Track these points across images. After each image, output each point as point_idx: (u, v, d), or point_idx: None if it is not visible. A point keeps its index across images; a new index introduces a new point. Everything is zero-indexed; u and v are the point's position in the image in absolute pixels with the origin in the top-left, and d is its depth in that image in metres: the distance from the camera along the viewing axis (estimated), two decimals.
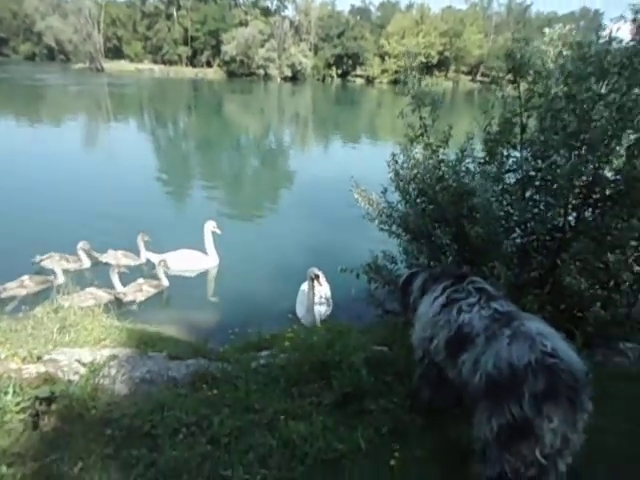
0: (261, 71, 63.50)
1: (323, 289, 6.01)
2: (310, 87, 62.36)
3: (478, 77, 71.09)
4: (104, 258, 7.06)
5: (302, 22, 70.21)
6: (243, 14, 66.93)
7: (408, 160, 4.56)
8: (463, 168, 4.16)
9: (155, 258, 6.95)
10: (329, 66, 70.39)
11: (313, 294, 5.83)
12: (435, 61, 69.41)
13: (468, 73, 74.63)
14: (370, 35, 72.02)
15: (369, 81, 70.16)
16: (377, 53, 69.65)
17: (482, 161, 3.94)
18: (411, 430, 2.60)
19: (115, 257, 7.04)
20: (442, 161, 4.07)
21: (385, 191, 4.85)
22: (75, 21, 65.05)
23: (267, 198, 13.17)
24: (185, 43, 68.70)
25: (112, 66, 65.43)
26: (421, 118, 4.69)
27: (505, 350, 2.01)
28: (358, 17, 77.78)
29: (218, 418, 2.71)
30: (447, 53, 70.11)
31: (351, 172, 5.22)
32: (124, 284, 6.37)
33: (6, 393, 2.86)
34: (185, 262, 7.11)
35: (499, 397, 1.96)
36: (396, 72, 63.07)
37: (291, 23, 68.42)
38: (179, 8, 68.37)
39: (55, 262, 6.76)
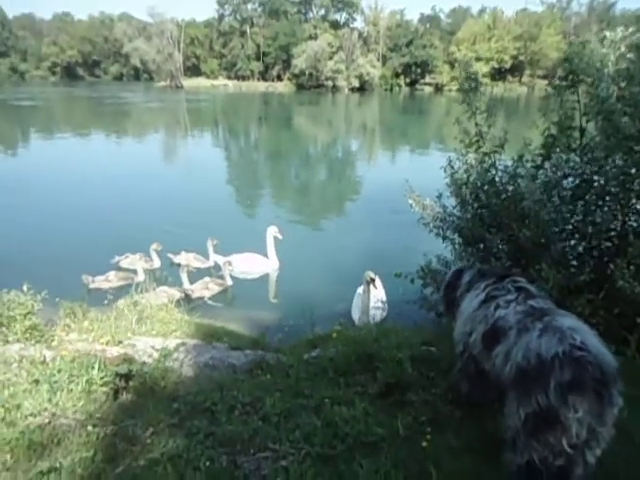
0: (329, 83, 64.73)
1: (379, 293, 6.17)
2: (377, 97, 62.61)
3: (556, 81, 67.65)
4: (176, 259, 7.68)
5: (371, 33, 70.78)
6: (313, 28, 68.73)
7: (463, 165, 4.64)
8: (518, 172, 4.18)
9: (221, 260, 7.46)
10: (397, 75, 70.26)
11: (369, 297, 6.00)
12: (508, 66, 67.05)
13: (544, 77, 71.31)
14: (439, 42, 71.10)
15: (438, 89, 69.10)
16: (447, 60, 68.54)
17: (535, 165, 3.94)
18: (449, 421, 2.71)
19: (186, 259, 7.65)
20: (493, 165, 4.11)
21: (440, 196, 4.96)
22: (158, 42, 69.96)
23: (330, 206, 13.52)
24: (257, 59, 71.67)
25: (190, 83, 69.61)
26: (476, 125, 4.78)
27: (535, 342, 2.10)
28: (427, 25, 77.06)
29: (270, 400, 2.97)
30: (521, 57, 67.50)
31: (417, 180, 5.33)
32: (192, 283, 6.92)
33: (92, 368, 3.30)
34: (248, 265, 7.56)
35: (527, 387, 2.05)
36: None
37: (359, 34, 69.20)
38: (252, 25, 71.56)
39: (137, 262, 7.47)
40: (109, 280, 7.17)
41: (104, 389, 3.22)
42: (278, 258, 7.82)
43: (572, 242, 3.40)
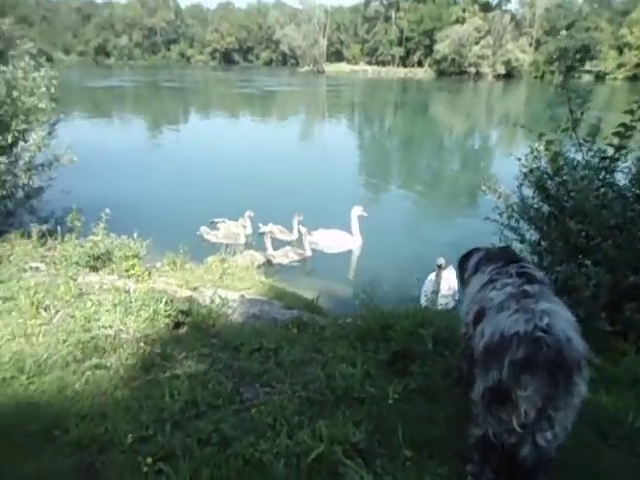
0: (472, 69, 61.55)
1: (451, 281, 6.09)
2: (526, 86, 57.83)
3: None
4: (263, 229, 8.34)
5: (525, 15, 65.28)
6: (461, 11, 65.62)
7: (541, 155, 4.37)
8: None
9: (304, 231, 7.95)
10: (551, 62, 63.95)
11: (438, 284, 5.97)
12: None
13: None
14: (607, 25, 62.85)
15: (598, 77, 61.45)
16: (614, 45, 60.48)
17: (607, 156, 3.62)
18: (441, 394, 2.78)
19: (271, 229, 8.24)
20: (558, 153, 3.85)
21: (521, 186, 4.72)
22: (306, 29, 73.00)
23: (454, 196, 13.22)
24: (399, 44, 70.85)
25: (331, 68, 71.62)
26: (571, 112, 4.46)
27: (503, 321, 2.11)
28: (595, 5, 68.49)
29: (289, 350, 3.31)
30: None
31: None
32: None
33: (160, 302, 3.96)
34: (331, 240, 7.94)
35: (487, 362, 2.08)
36: (637, 66, 54.02)
37: (512, 17, 64.25)
38: (398, 10, 70.68)
39: (239, 227, 8.35)
40: (217, 237, 8.18)
41: (166, 320, 3.85)
42: (363, 237, 8.07)
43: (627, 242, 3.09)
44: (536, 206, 4.01)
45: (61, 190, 8.06)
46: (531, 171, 3.95)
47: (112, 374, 2.97)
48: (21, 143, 7.01)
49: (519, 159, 4.08)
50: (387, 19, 72.10)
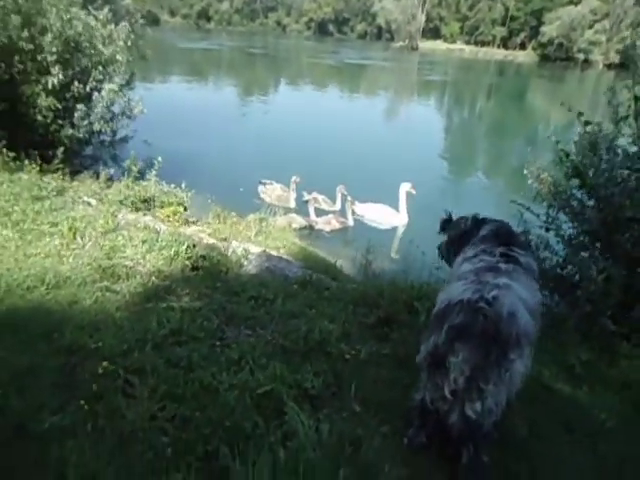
0: (581, 56, 56.48)
1: None
2: None
3: None
4: (307, 196, 8.42)
5: None
6: None
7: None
8: None
9: (348, 200, 7.95)
10: None
11: None
12: None
13: None
14: None
15: None
16: None
17: None
18: (410, 361, 2.78)
19: (315, 199, 8.30)
20: (596, 138, 3.55)
21: (568, 176, 4.40)
22: (404, 3, 70.55)
23: (520, 189, 12.52)
24: (502, 24, 66.49)
25: (426, 45, 69.01)
26: (636, 99, 4.07)
27: (455, 290, 2.09)
28: None
29: (284, 302, 3.45)
30: None
31: None
32: None
33: (182, 244, 4.24)
34: (376, 214, 7.89)
35: (431, 327, 2.08)
36: None
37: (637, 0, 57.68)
38: None
39: (290, 193, 8.56)
40: (271, 197, 8.48)
41: (186, 262, 4.13)
42: (410, 215, 7.95)
43: None
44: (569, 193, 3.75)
45: (143, 141, 8.86)
46: (567, 155, 3.68)
47: (118, 297, 3.28)
48: (95, 93, 7.59)
49: (557, 142, 3.80)
50: None
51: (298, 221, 7.31)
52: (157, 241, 4.22)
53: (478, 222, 2.64)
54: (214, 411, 2.23)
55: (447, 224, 2.79)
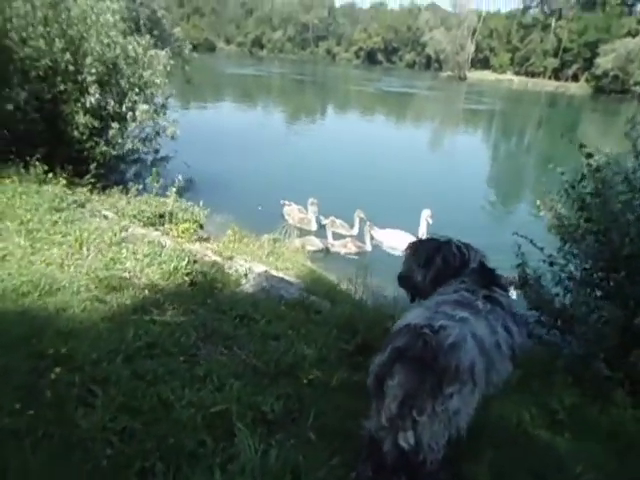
0: (637, 89, 54.43)
1: None
2: None
3: None
4: (324, 221, 8.39)
5: None
6: (635, 23, 58.33)
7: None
8: None
9: (367, 225, 7.86)
10: None
11: None
12: None
13: None
14: None
15: None
16: None
17: None
18: None
19: (333, 223, 8.24)
20: (598, 169, 3.36)
21: (582, 207, 4.19)
22: (454, 33, 70.83)
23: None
24: (555, 55, 65.38)
25: (475, 76, 68.73)
26: None
27: (413, 314, 2.02)
28: None
29: (269, 323, 3.43)
30: None
31: None
32: None
33: (183, 260, 4.31)
34: (395, 240, 7.76)
35: (381, 349, 2.00)
36: None
37: None
38: (559, 18, 65.18)
39: (310, 214, 8.60)
40: (293, 219, 8.55)
41: (185, 277, 4.19)
42: None
43: None
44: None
45: (183, 162, 9.35)
46: (572, 187, 3.51)
47: (106, 308, 3.36)
48: (130, 113, 7.98)
49: (562, 173, 3.63)
50: (545, 27, 66.79)
51: (315, 243, 7.31)
52: (159, 255, 4.31)
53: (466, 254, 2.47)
54: (162, 427, 2.22)
55: (420, 249, 2.65)
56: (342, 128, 23.28)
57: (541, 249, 3.66)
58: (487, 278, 2.30)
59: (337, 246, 7.51)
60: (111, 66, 7.62)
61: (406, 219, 8.41)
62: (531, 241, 3.69)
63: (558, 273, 3.69)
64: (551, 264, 3.58)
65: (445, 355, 1.76)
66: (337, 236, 7.90)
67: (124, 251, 4.27)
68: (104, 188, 7.70)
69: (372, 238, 7.93)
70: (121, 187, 7.87)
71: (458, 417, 1.79)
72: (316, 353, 3.01)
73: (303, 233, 7.74)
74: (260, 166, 13.26)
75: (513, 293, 5.58)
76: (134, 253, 4.29)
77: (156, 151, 9.63)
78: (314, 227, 8.49)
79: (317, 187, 10.51)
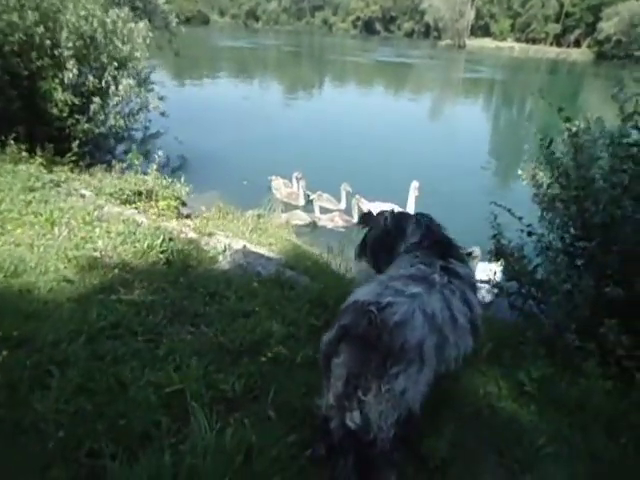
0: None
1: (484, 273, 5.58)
2: None
3: None
4: (311, 195, 8.30)
5: None
6: None
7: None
8: None
9: (355, 198, 7.75)
10: None
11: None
12: None
13: None
14: None
15: None
16: None
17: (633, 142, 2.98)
18: None
19: (319, 197, 8.15)
20: (576, 134, 3.23)
21: (565, 174, 4.05)
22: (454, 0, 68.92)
23: None
24: (556, 20, 63.77)
25: (474, 43, 67.21)
26: None
27: (363, 291, 1.95)
28: None
29: (240, 300, 3.38)
30: None
31: None
32: None
33: (158, 237, 4.23)
34: None
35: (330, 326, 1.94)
36: None
37: None
38: None
39: (300, 189, 8.47)
40: (281, 194, 8.43)
41: (160, 255, 4.12)
42: None
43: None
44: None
45: (175, 138, 9.31)
46: (552, 154, 3.38)
47: (73, 288, 3.30)
48: (112, 87, 7.77)
49: (541, 139, 3.50)
50: None
51: (302, 217, 7.22)
52: (134, 234, 4.23)
53: (401, 220, 2.44)
54: (117, 408, 2.18)
55: (369, 220, 2.60)
56: (337, 101, 22.86)
57: (519, 218, 3.57)
58: (443, 249, 2.23)
59: (324, 220, 7.42)
60: (88, 40, 7.38)
61: (399, 191, 8.28)
62: (509, 210, 3.59)
63: (538, 244, 3.62)
64: (529, 234, 3.49)
65: (390, 334, 1.69)
66: (324, 211, 7.80)
67: (97, 230, 4.19)
68: (88, 166, 7.58)
69: (361, 211, 7.81)
70: (106, 165, 7.75)
71: (406, 396, 1.73)
72: (284, 329, 2.96)
73: (290, 208, 7.64)
74: (252, 140, 13.08)
75: (477, 265, 5.56)
76: (107, 232, 4.21)
77: (146, 128, 9.47)
78: (302, 202, 8.39)
79: (308, 161, 10.36)
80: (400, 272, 2.17)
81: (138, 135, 9.59)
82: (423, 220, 2.52)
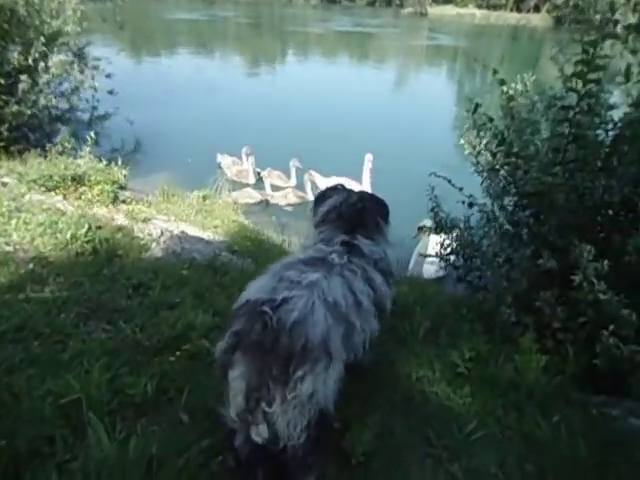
0: (597, 17, 53.69)
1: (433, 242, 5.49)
2: None
3: None
4: (262, 174, 8.00)
5: None
6: None
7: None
8: None
9: (307, 173, 7.51)
10: None
11: (425, 249, 5.43)
12: None
13: None
14: None
15: None
16: None
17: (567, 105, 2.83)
18: None
19: (270, 174, 7.87)
20: (512, 97, 3.07)
21: (502, 139, 3.84)
22: None
23: None
24: None
25: (436, 11, 66.40)
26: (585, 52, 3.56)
27: (256, 285, 1.73)
28: None
29: (166, 290, 3.14)
30: None
31: None
32: None
33: (83, 226, 3.92)
34: None
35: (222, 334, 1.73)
36: None
37: None
38: None
39: (249, 167, 8.15)
40: (231, 172, 8.08)
41: (86, 246, 3.82)
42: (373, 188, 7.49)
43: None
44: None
45: (125, 119, 8.81)
46: (490, 120, 3.21)
47: None
48: (41, 64, 7.19)
49: (477, 105, 3.31)
50: None
51: (253, 195, 6.95)
52: (56, 223, 3.91)
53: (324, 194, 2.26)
54: (4, 424, 1.94)
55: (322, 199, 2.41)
56: (295, 74, 22.22)
57: (460, 189, 3.41)
58: (351, 223, 2.05)
59: (277, 197, 7.15)
60: (9, 13, 6.76)
61: (357, 165, 8.06)
62: (449, 181, 3.43)
63: (483, 214, 3.48)
64: (470, 205, 3.34)
65: (289, 335, 1.50)
66: (275, 188, 7.53)
67: (13, 222, 3.84)
68: (21, 152, 7.07)
69: (316, 187, 7.60)
70: (40, 150, 7.23)
71: (316, 398, 1.55)
72: (210, 320, 2.75)
73: (239, 186, 7.33)
74: (206, 119, 12.59)
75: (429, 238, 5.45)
76: (26, 223, 3.88)
77: (94, 108, 8.88)
78: (252, 180, 8.06)
79: (261, 137, 10.02)
80: (297, 256, 1.99)
81: (85, 116, 9.01)
82: (342, 192, 2.34)
